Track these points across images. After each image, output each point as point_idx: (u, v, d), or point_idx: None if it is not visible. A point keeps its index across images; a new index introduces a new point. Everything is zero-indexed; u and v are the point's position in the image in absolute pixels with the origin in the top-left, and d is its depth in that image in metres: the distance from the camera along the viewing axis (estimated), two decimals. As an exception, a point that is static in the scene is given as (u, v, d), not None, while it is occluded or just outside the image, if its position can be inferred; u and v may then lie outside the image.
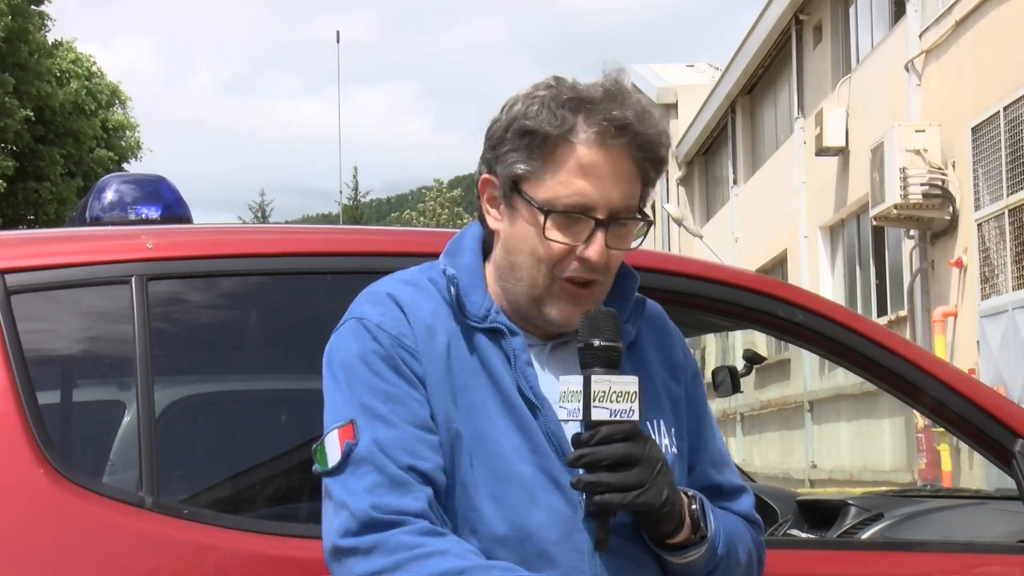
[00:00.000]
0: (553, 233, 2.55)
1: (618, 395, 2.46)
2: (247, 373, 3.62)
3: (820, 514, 4.78)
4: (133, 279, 3.44)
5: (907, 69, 17.11)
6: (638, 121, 2.57)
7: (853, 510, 4.64)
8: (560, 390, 2.50)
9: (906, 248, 17.57)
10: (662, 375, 2.77)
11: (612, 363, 2.48)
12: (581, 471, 2.44)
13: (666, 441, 2.67)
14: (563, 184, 2.55)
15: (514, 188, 2.61)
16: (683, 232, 30.67)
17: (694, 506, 2.58)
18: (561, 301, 2.61)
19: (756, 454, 18.92)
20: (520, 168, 2.59)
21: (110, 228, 3.78)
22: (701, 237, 28.74)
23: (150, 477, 3.27)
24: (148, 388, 3.39)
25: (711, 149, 31.19)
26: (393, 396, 2.57)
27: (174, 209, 3.93)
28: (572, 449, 2.48)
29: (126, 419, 3.51)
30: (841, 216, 20.50)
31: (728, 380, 8.87)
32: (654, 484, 2.46)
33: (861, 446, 14.25)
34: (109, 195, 3.91)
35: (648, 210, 2.65)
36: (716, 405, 20.82)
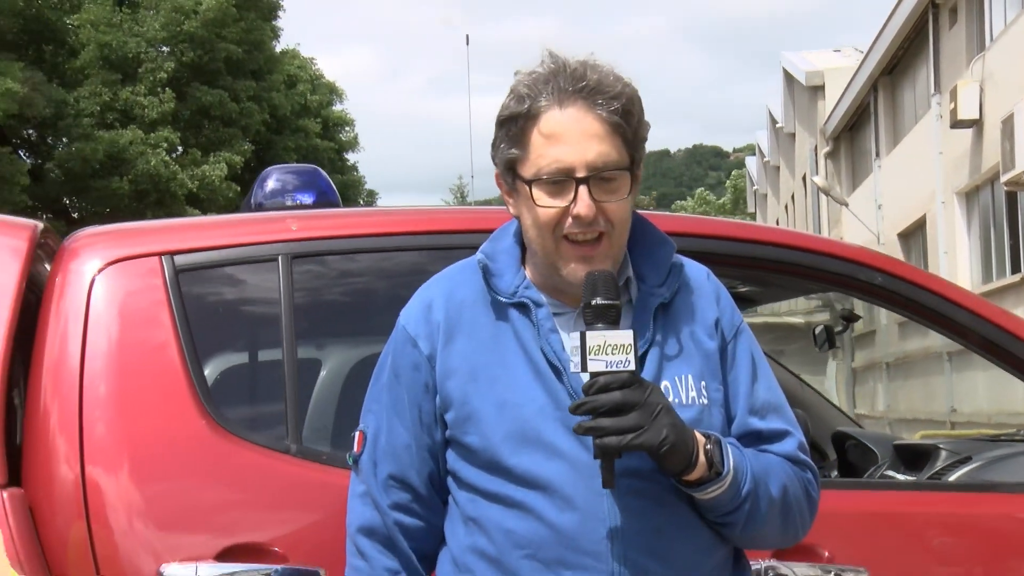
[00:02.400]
0: (543, 199, 2.69)
1: (613, 348, 2.58)
2: (376, 337, 3.49)
3: (915, 457, 4.72)
4: (280, 257, 3.61)
5: None
6: (590, 82, 2.71)
7: (944, 453, 4.59)
8: (568, 347, 2.67)
9: None
10: (695, 332, 2.85)
11: (611, 319, 2.60)
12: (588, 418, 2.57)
13: (692, 393, 2.76)
14: (541, 156, 2.70)
15: (511, 173, 2.78)
16: (830, 201, 31.19)
17: (708, 446, 2.65)
18: (570, 260, 2.73)
19: (901, 399, 18.95)
20: (509, 154, 2.77)
21: (262, 214, 3.91)
22: (847, 205, 29.31)
23: (294, 429, 3.49)
24: (292, 353, 3.59)
25: (856, 125, 31.16)
26: (391, 403, 2.86)
27: (327, 196, 4.05)
28: None
29: (273, 379, 3.66)
30: (976, 183, 20.33)
31: (826, 337, 9.08)
32: (652, 427, 2.55)
33: (996, 392, 14.19)
34: (270, 184, 4.05)
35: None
36: (862, 356, 20.84)
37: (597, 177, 2.68)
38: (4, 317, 3.40)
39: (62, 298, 3.48)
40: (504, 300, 2.79)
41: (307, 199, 3.99)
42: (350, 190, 38.91)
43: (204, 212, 30.93)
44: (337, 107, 40.21)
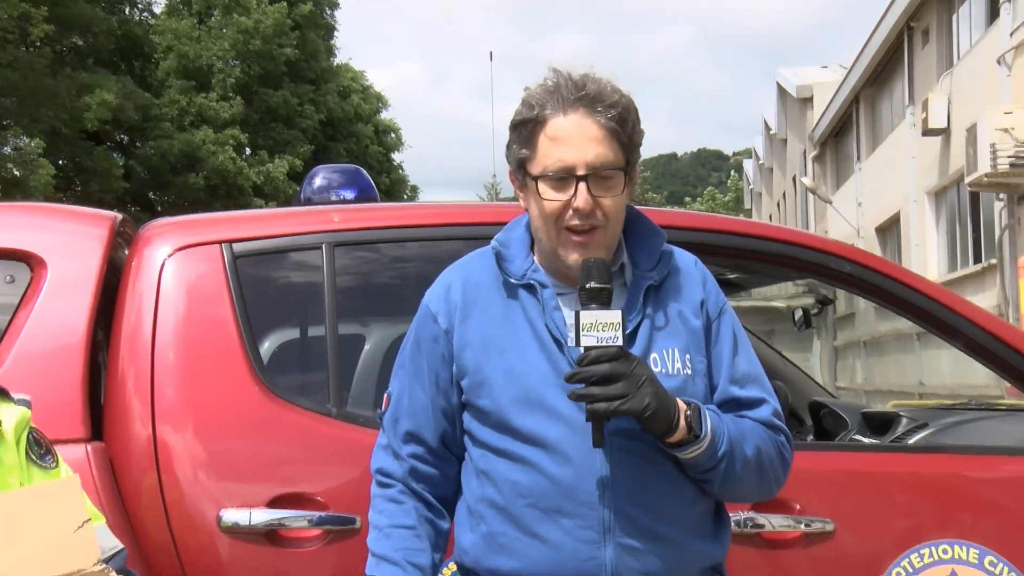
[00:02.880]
0: (548, 193, 2.73)
1: (604, 325, 2.62)
2: (407, 316, 3.50)
3: (880, 423, 4.71)
4: (324, 245, 3.64)
5: (999, 62, 16.90)
6: (590, 91, 2.75)
7: (904, 420, 4.58)
8: (568, 323, 2.72)
9: (996, 209, 17.37)
10: (682, 311, 2.88)
11: (603, 300, 2.64)
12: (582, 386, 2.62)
13: (678, 364, 2.80)
14: (547, 156, 2.74)
15: (522, 171, 2.82)
16: (816, 199, 31.42)
17: (688, 412, 2.67)
18: (569, 248, 2.77)
19: (877, 374, 19.03)
20: (520, 154, 2.82)
21: (309, 207, 3.92)
22: (831, 202, 29.52)
23: (335, 394, 3.54)
24: (333, 323, 3.62)
25: (840, 133, 31.28)
26: (413, 371, 2.91)
27: (367, 192, 4.03)
28: None
29: (318, 351, 3.70)
30: (943, 184, 20.35)
31: (803, 318, 9.13)
32: (636, 395, 2.59)
33: (958, 367, 14.17)
34: (318, 181, 4.03)
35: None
36: (843, 336, 20.83)
37: (595, 175, 2.72)
38: (88, 295, 3.47)
39: (137, 279, 3.52)
40: (514, 281, 2.83)
41: (349, 195, 3.99)
42: (396, 187, 38.96)
43: (268, 205, 31.27)
44: (385, 114, 40.32)
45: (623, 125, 2.77)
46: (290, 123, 32.91)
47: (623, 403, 2.59)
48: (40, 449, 2.67)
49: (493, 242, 2.92)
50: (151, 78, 31.00)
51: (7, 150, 25.53)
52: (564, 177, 2.73)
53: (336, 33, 35.74)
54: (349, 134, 36.36)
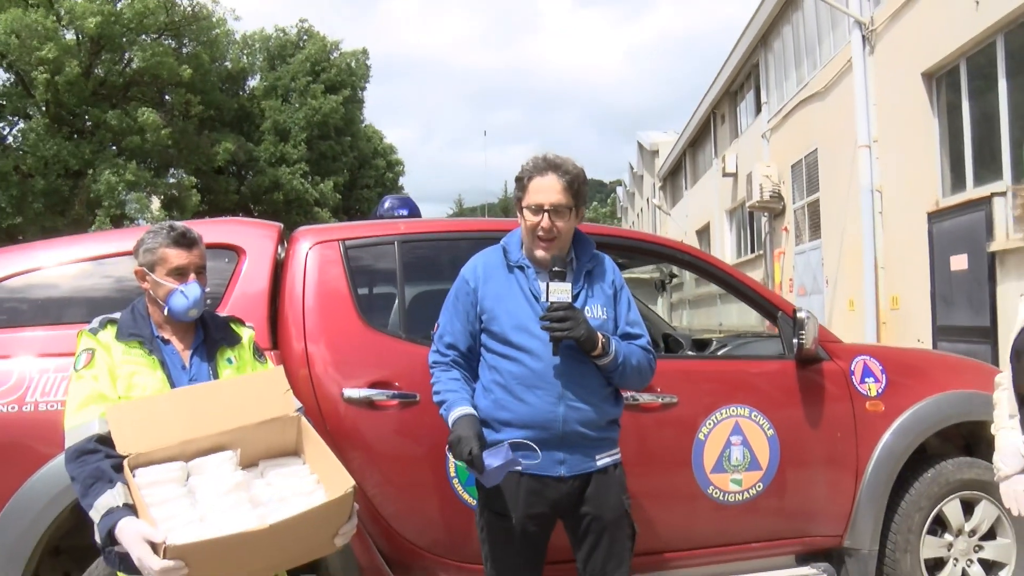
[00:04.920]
0: (529, 217, 2.81)
1: (561, 291, 2.73)
2: (436, 281, 3.69)
3: (701, 344, 4.83)
4: (395, 241, 3.66)
5: (763, 136, 16.87)
6: (562, 165, 2.82)
7: (714, 342, 4.78)
8: (542, 288, 2.77)
9: (763, 221, 17.28)
10: (603, 285, 2.90)
11: (562, 277, 2.75)
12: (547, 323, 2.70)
13: (600, 314, 2.84)
14: (530, 197, 2.81)
15: (519, 204, 2.87)
16: (660, 213, 31.14)
17: (603, 340, 2.76)
18: (538, 247, 2.83)
19: (695, 318, 19.28)
20: (518, 195, 2.88)
21: (384, 220, 3.86)
22: (669, 214, 29.33)
23: (405, 323, 3.61)
24: (402, 288, 3.66)
25: (674, 172, 30.65)
26: (454, 311, 2.90)
27: (415, 212, 3.96)
28: None
29: (396, 301, 3.72)
30: (734, 205, 20.13)
31: (660, 285, 9.42)
32: (576, 328, 2.69)
33: (743, 315, 14.40)
34: (386, 204, 4.01)
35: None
36: (677, 295, 20.72)
37: (554, 210, 2.80)
38: (267, 269, 3.50)
39: (293, 260, 3.55)
40: (512, 264, 2.88)
41: (404, 213, 3.95)
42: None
43: (323, 211, 31.03)
44: (393, 156, 39.82)
45: (573, 183, 2.82)
46: (335, 159, 32.61)
47: (570, 332, 2.70)
48: (258, 353, 2.81)
49: (501, 242, 2.95)
50: (255, 134, 30.65)
51: (171, 179, 25.36)
52: (537, 210, 2.82)
53: (364, 105, 35.38)
54: (371, 166, 35.62)
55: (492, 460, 2.60)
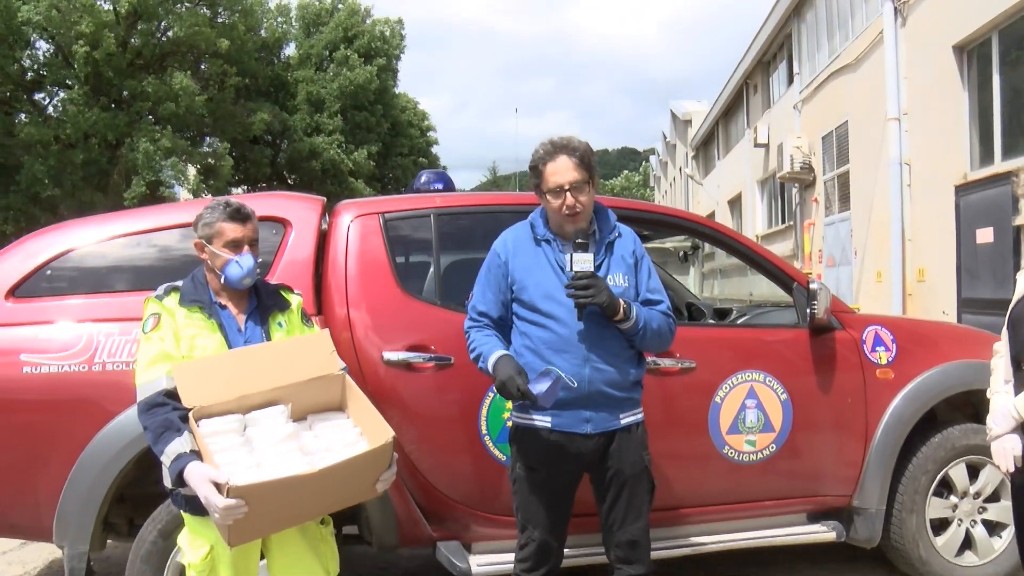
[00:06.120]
0: (552, 200, 2.89)
1: (585, 261, 2.81)
2: (470, 252, 3.80)
3: (722, 313, 4.94)
4: (431, 215, 3.74)
5: (795, 108, 16.70)
6: (569, 144, 2.90)
7: (734, 311, 4.86)
8: (566, 259, 2.85)
9: (794, 192, 17.10)
10: (624, 256, 2.96)
11: (585, 248, 2.83)
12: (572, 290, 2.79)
13: (622, 282, 2.91)
14: (548, 181, 2.89)
15: (537, 188, 2.96)
16: (693, 183, 30.72)
17: (625, 305, 2.84)
18: (566, 222, 2.90)
19: (726, 289, 19.09)
20: (535, 180, 2.95)
21: (421, 194, 3.92)
22: (702, 184, 28.97)
23: (440, 291, 3.69)
24: (438, 258, 3.75)
25: (707, 142, 30.07)
26: (486, 282, 3.00)
27: (450, 186, 4.01)
28: None
29: (432, 270, 3.79)
30: (765, 176, 19.86)
31: (684, 256, 9.48)
32: (599, 295, 2.77)
33: (767, 288, 14.34)
34: (422, 178, 4.05)
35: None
36: (709, 264, 19.87)
37: (573, 187, 2.88)
38: (312, 240, 3.60)
39: (335, 231, 3.66)
40: (539, 238, 2.97)
41: (440, 186, 3.98)
42: (432, 165, 38.47)
43: (357, 181, 31.17)
44: (425, 122, 39.72)
45: (583, 158, 2.90)
46: (369, 130, 32.65)
47: (593, 299, 2.80)
48: (305, 318, 2.97)
49: (529, 218, 3.04)
50: (289, 104, 30.81)
51: (206, 148, 25.65)
52: (559, 191, 2.89)
53: (398, 73, 35.42)
54: (405, 135, 35.57)
55: (540, 386, 2.74)
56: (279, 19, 31.58)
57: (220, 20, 24.81)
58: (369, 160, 31.61)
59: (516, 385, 2.76)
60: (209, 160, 24.53)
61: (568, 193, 2.87)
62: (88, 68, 21.73)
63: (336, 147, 30.40)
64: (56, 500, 3.28)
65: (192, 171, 24.62)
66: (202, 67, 24.84)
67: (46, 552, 5.21)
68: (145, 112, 22.91)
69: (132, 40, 22.92)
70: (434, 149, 39.94)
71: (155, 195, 22.38)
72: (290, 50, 32.18)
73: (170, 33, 23.28)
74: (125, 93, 22.85)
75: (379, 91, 32.24)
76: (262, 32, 29.38)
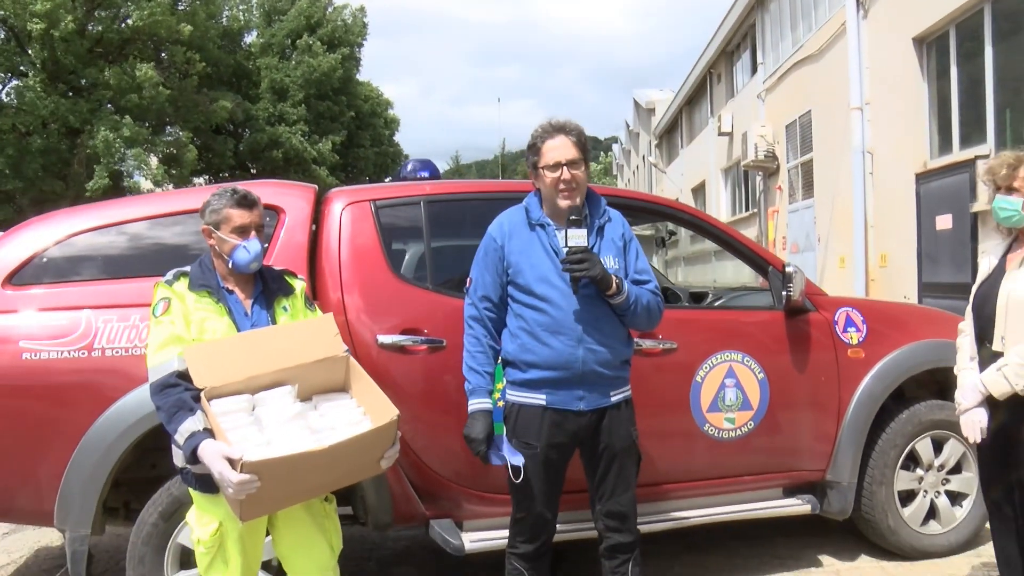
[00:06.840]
0: (549, 175, 2.95)
1: (579, 236, 2.86)
2: (459, 238, 3.85)
3: (697, 296, 5.05)
4: (421, 202, 3.78)
5: (758, 97, 16.82)
6: (566, 126, 2.97)
7: (710, 295, 5.00)
8: (560, 243, 2.91)
9: (758, 179, 17.26)
10: (615, 238, 3.03)
11: (579, 224, 2.88)
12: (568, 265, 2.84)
13: (613, 263, 2.97)
14: (546, 157, 2.95)
15: (534, 167, 3.02)
16: (656, 171, 30.66)
17: (617, 281, 2.90)
18: (563, 198, 2.95)
19: (692, 274, 19.25)
20: (533, 159, 3.01)
21: (410, 182, 3.93)
22: (665, 172, 28.84)
23: (431, 275, 3.68)
24: (428, 243, 3.76)
25: (670, 130, 29.97)
26: (484, 266, 3.03)
27: (435, 174, 4.02)
28: None
29: (423, 255, 3.81)
30: (729, 164, 19.99)
31: (660, 241, 9.63)
32: (592, 269, 2.83)
33: (734, 271, 14.39)
34: (408, 167, 4.05)
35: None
36: (673, 252, 20.32)
37: (570, 164, 2.95)
38: (305, 227, 3.62)
39: (328, 218, 3.67)
40: (533, 222, 3.02)
41: (426, 175, 3.98)
42: (396, 155, 38.42)
43: (320, 169, 30.94)
44: (391, 111, 39.36)
45: (579, 139, 2.99)
46: (333, 119, 32.39)
47: (587, 272, 2.85)
48: (308, 302, 3.02)
49: (523, 202, 3.08)
50: (252, 93, 30.51)
51: (168, 137, 25.35)
52: (556, 166, 2.95)
53: (361, 62, 35.12)
54: (369, 125, 35.32)
55: (495, 459, 2.98)
56: (240, 7, 31.22)
57: (180, 7, 24.49)
58: (333, 152, 31.36)
59: (478, 451, 2.96)
60: (172, 149, 24.20)
61: (565, 168, 2.93)
62: (45, 53, 21.31)
63: (300, 136, 30.02)
64: (57, 484, 3.30)
65: (154, 161, 24.31)
66: (163, 56, 24.51)
67: (31, 540, 5.24)
68: (106, 100, 22.55)
69: (91, 27, 22.53)
70: (396, 137, 39.69)
71: (118, 186, 22.07)
72: (251, 38, 31.81)
73: (129, 20, 22.93)
74: (84, 81, 22.46)
75: (343, 80, 32.00)
76: (223, 20, 29.03)
